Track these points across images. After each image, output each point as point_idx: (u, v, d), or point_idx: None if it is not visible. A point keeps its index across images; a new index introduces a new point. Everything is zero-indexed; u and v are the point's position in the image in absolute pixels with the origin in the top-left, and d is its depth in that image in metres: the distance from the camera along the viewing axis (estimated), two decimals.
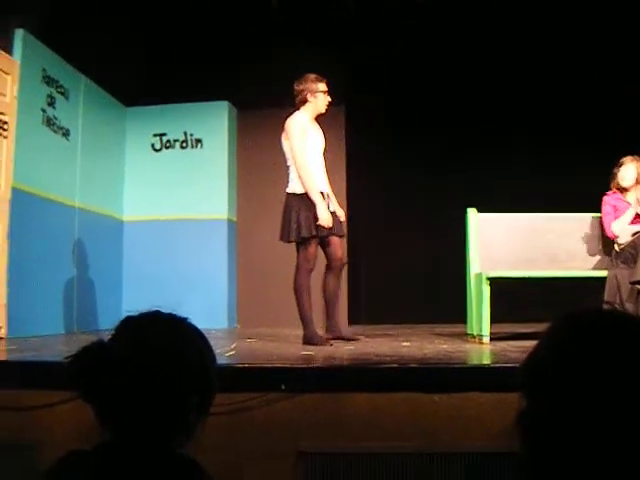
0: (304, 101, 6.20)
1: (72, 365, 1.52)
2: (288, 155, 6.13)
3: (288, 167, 6.14)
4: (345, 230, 6.34)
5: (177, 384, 1.55)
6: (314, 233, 5.89)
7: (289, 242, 6.03)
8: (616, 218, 6.31)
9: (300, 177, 5.99)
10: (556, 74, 9.07)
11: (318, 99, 6.20)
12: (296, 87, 6.22)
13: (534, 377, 1.18)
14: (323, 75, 6.28)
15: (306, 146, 6.07)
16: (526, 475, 1.17)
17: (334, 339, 6.02)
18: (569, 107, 9.07)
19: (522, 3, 8.47)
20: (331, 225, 5.92)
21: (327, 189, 6.27)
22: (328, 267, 6.17)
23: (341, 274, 6.27)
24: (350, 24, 8.76)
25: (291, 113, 6.22)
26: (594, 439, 1.07)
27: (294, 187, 6.04)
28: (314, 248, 5.98)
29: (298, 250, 6.03)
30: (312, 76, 6.22)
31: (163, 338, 1.59)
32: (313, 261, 6.00)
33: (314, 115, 6.26)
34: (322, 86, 6.21)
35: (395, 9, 8.70)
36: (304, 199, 5.93)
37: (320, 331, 6.02)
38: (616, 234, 6.27)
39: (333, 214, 6.08)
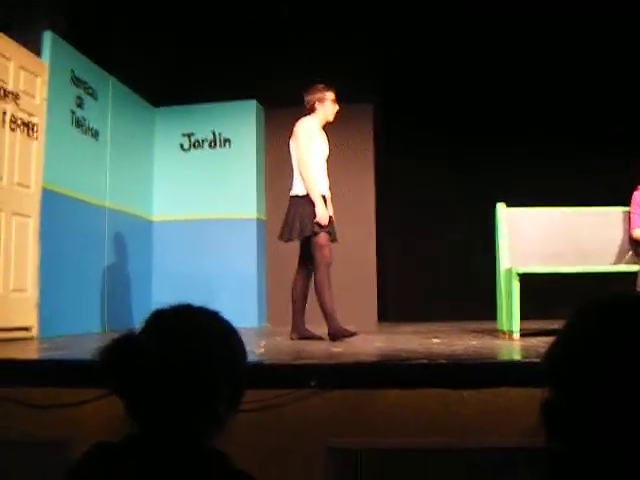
0: (313, 109, 6.45)
1: (103, 357, 1.53)
2: (294, 157, 6.36)
3: (292, 170, 6.37)
4: (336, 236, 6.44)
5: (207, 376, 1.55)
6: (316, 230, 6.08)
7: (289, 241, 6.30)
8: None
9: (303, 178, 6.22)
10: (585, 68, 9.00)
11: (326, 107, 6.43)
12: (305, 97, 6.49)
13: (553, 368, 1.18)
14: (331, 84, 6.49)
15: (312, 150, 6.29)
16: (552, 466, 1.16)
17: (300, 339, 6.16)
18: (599, 101, 8.99)
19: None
20: (328, 223, 6.13)
21: (328, 194, 6.45)
22: (302, 267, 6.41)
23: (318, 276, 6.29)
24: (378, 23, 8.75)
25: (302, 117, 6.44)
26: (611, 427, 1.06)
27: (297, 189, 6.29)
28: (326, 240, 6.15)
29: (312, 248, 6.16)
30: (320, 86, 6.47)
31: (193, 330, 1.60)
32: (330, 255, 6.15)
33: (322, 123, 6.50)
34: (330, 95, 6.44)
35: (428, 10, 8.69)
36: (306, 200, 6.17)
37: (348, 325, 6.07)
38: (637, 238, 6.25)
39: (330, 218, 6.28)
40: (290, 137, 6.44)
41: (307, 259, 6.30)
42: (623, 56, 8.82)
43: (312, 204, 6.11)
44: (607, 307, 1.18)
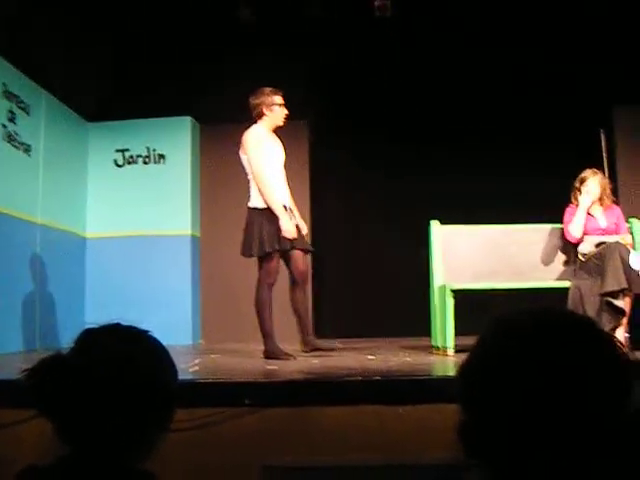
0: (261, 115, 6.21)
1: (29, 378, 1.50)
2: (248, 169, 6.11)
3: (249, 181, 6.11)
4: (308, 244, 6.30)
5: (136, 397, 1.52)
6: (277, 247, 5.88)
7: (251, 257, 6.02)
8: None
9: (260, 191, 5.97)
10: (518, 84, 9.15)
11: (274, 112, 6.20)
12: (252, 101, 6.24)
13: (466, 386, 1.17)
14: (278, 88, 6.29)
15: (264, 159, 6.06)
16: None
17: (311, 351, 5.99)
18: (528, 119, 9.14)
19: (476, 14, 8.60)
20: (295, 236, 5.91)
21: (289, 202, 6.24)
22: (293, 282, 6.12)
23: (306, 287, 6.23)
24: (311, 36, 8.80)
25: (248, 127, 6.21)
26: (525, 447, 1.06)
27: (255, 202, 6.02)
28: (276, 262, 5.98)
29: (260, 265, 6.02)
30: (267, 89, 6.23)
31: (122, 350, 1.57)
32: (274, 275, 5.99)
33: (272, 128, 6.27)
34: (278, 99, 6.22)
35: (356, 20, 8.78)
36: (266, 213, 5.92)
37: (283, 345, 5.99)
38: (574, 235, 6.32)
39: (296, 227, 6.05)
40: (238, 149, 6.18)
41: (293, 271, 6.07)
42: (549, 71, 9.01)
43: (273, 217, 5.87)
44: (518, 323, 1.17)
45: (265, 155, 6.09)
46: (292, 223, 5.96)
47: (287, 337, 6.18)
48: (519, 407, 1.07)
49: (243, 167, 6.17)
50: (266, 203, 5.94)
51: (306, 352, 5.98)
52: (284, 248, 5.92)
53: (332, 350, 6.02)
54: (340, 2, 8.73)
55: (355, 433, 3.54)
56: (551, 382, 1.06)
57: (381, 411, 3.54)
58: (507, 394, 1.08)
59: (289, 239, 5.87)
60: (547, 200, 6.65)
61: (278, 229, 5.85)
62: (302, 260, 6.10)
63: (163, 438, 1.61)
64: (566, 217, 6.45)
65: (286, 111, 6.27)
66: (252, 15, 8.69)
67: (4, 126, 7.32)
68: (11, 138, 7.45)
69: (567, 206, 6.49)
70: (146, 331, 1.66)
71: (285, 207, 6.06)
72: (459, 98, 9.31)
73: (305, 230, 6.32)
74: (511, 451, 1.08)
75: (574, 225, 6.33)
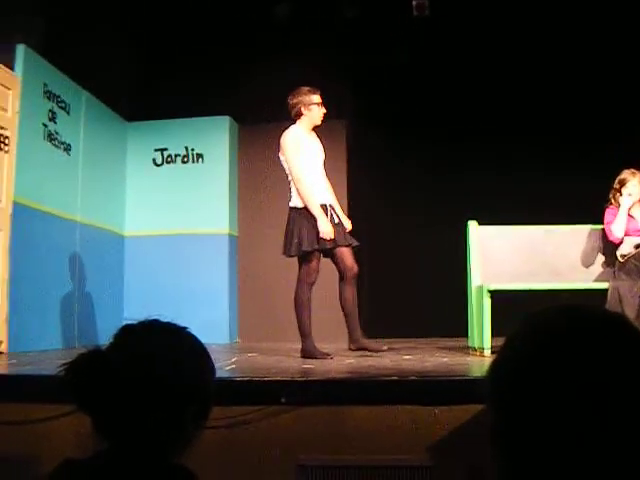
0: (299, 114, 6.21)
1: (67, 373, 1.52)
2: (287, 170, 6.13)
3: (289, 182, 6.13)
4: (353, 240, 6.23)
5: (174, 392, 1.54)
6: (315, 247, 5.88)
7: (291, 256, 6.04)
8: None
9: (298, 191, 5.99)
10: (558, 86, 9.09)
11: (312, 111, 6.19)
12: (290, 101, 6.24)
13: (495, 386, 1.15)
14: (316, 87, 6.28)
15: (302, 159, 6.06)
16: None
17: (357, 350, 5.98)
18: (569, 119, 9.08)
19: (520, 13, 8.54)
20: (333, 237, 5.89)
21: (330, 200, 6.23)
22: (341, 279, 6.09)
23: (355, 284, 6.18)
24: (349, 36, 8.81)
25: (287, 127, 6.23)
26: (558, 446, 1.04)
27: (296, 201, 6.04)
28: (315, 262, 5.98)
29: (300, 264, 6.03)
30: (305, 89, 6.22)
31: (161, 346, 1.59)
32: (314, 275, 5.99)
33: (310, 127, 6.27)
34: (316, 98, 6.21)
35: (395, 21, 8.76)
36: (305, 213, 5.93)
37: (320, 344, 6.00)
38: (617, 235, 6.27)
39: (338, 225, 6.05)
40: (277, 151, 6.20)
41: (340, 267, 6.05)
42: (593, 79, 8.93)
43: (312, 217, 5.88)
44: (550, 322, 1.15)
45: (303, 155, 6.09)
46: (329, 223, 5.92)
47: (325, 336, 6.19)
48: (550, 408, 1.05)
49: (283, 168, 6.18)
50: (303, 203, 5.96)
51: (352, 350, 5.98)
52: (323, 247, 5.92)
53: (379, 351, 5.95)
54: (378, 1, 8.72)
55: (390, 433, 3.54)
56: (584, 382, 1.04)
57: (416, 411, 3.54)
58: (538, 394, 1.05)
59: (327, 240, 5.87)
60: (585, 201, 6.61)
61: (317, 229, 5.86)
62: (348, 256, 6.06)
63: (200, 434, 1.62)
64: (607, 218, 6.40)
65: (324, 110, 6.26)
66: (288, 12, 8.70)
67: (45, 125, 7.40)
68: (52, 137, 7.53)
69: (606, 207, 6.44)
70: (184, 327, 1.67)
71: (325, 206, 6.06)
72: (499, 97, 9.25)
73: (349, 226, 6.30)
74: (540, 453, 1.06)
75: (616, 225, 6.28)
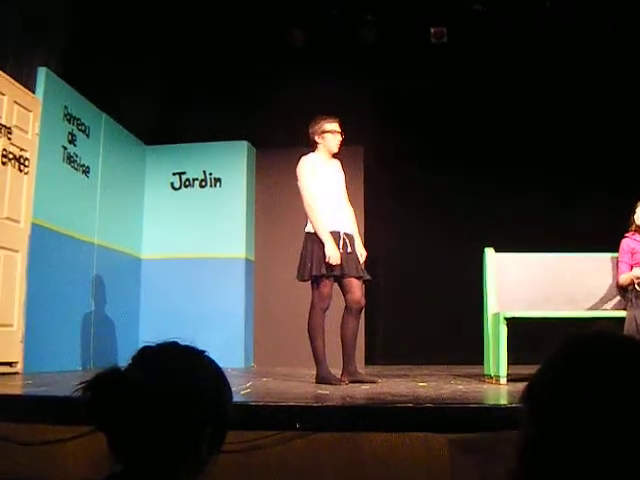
0: (314, 143, 6.26)
1: (86, 391, 1.52)
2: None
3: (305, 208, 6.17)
4: (365, 273, 6.23)
5: (191, 415, 1.54)
6: (323, 272, 5.89)
7: (303, 281, 6.07)
8: (634, 262, 6.29)
9: (309, 217, 6.04)
10: (574, 112, 9.11)
11: (326, 139, 6.22)
12: (309, 129, 6.28)
13: (534, 408, 1.17)
14: (333, 114, 6.31)
15: (315, 186, 6.10)
16: None
17: (351, 382, 5.91)
18: (588, 145, 9.08)
19: (534, 40, 8.58)
20: (339, 263, 5.90)
21: (345, 229, 6.21)
22: (346, 309, 6.10)
23: (359, 317, 6.18)
24: (368, 62, 8.86)
25: (304, 153, 6.27)
26: (595, 468, 1.05)
27: (310, 226, 6.08)
28: (328, 287, 5.98)
29: (313, 289, 6.04)
30: (320, 117, 6.26)
31: (179, 368, 1.59)
32: (327, 300, 5.99)
33: (327, 155, 6.29)
34: (329, 126, 6.23)
35: (412, 46, 8.80)
36: (317, 238, 5.96)
37: (335, 370, 5.98)
38: (622, 285, 6.27)
39: (350, 254, 6.05)
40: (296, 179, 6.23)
41: (347, 298, 6.04)
42: (606, 105, 8.94)
43: (323, 243, 5.91)
44: (591, 345, 1.17)
45: (317, 183, 6.13)
46: (337, 249, 5.93)
47: (339, 363, 6.16)
48: (586, 429, 1.06)
49: (300, 194, 6.21)
50: (314, 228, 5.99)
51: (344, 382, 5.86)
52: (332, 273, 5.93)
53: (373, 383, 5.87)
54: (396, 28, 8.76)
55: (405, 460, 3.52)
56: (620, 405, 1.06)
57: (431, 438, 3.52)
58: (576, 417, 1.08)
59: (335, 265, 5.88)
60: (604, 228, 6.59)
61: (323, 253, 5.89)
62: (357, 288, 6.06)
63: (215, 459, 1.62)
64: (620, 252, 6.39)
65: (339, 137, 6.27)
66: (304, 38, 8.76)
67: (64, 148, 7.46)
68: (71, 160, 7.58)
69: (623, 236, 6.41)
70: (203, 351, 1.68)
71: (338, 233, 6.07)
72: (516, 125, 9.28)
73: (363, 258, 6.30)
74: (577, 474, 1.07)
75: (624, 277, 6.30)
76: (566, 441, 1.08)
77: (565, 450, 1.08)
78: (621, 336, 1.19)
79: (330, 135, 6.22)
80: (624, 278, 6.26)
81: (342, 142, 6.32)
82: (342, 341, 6.10)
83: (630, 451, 1.04)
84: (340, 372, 6.01)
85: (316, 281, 5.98)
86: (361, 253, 6.29)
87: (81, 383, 1.52)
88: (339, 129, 6.27)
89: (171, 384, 1.55)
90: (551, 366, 1.19)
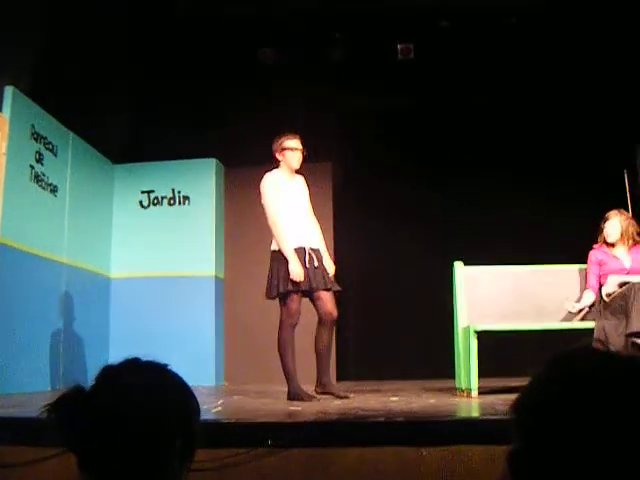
0: (277, 160, 6.31)
1: (50, 411, 1.51)
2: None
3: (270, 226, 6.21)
4: (334, 284, 6.25)
5: (159, 429, 1.53)
6: (290, 288, 5.90)
7: (271, 298, 6.09)
8: (601, 273, 6.37)
9: (273, 233, 6.07)
10: (542, 125, 9.21)
11: (286, 156, 6.25)
12: (272, 146, 6.32)
13: (522, 416, 1.18)
14: (294, 132, 6.34)
15: (279, 202, 6.13)
16: None
17: (323, 394, 5.95)
18: (556, 158, 9.17)
19: (500, 55, 8.69)
20: (302, 279, 5.91)
21: (310, 243, 6.21)
22: (319, 322, 6.11)
23: (333, 329, 6.19)
24: (336, 79, 8.90)
25: (269, 171, 6.30)
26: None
27: (274, 244, 6.12)
28: (296, 303, 5.99)
29: (281, 306, 6.05)
30: (281, 134, 6.30)
31: (143, 383, 1.59)
32: (296, 316, 5.99)
33: (289, 171, 6.31)
34: (289, 143, 6.25)
35: (379, 63, 8.87)
36: (282, 256, 5.98)
37: (307, 386, 5.98)
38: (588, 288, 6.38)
39: (317, 268, 6.06)
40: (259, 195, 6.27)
41: (319, 312, 6.05)
42: (572, 111, 9.05)
43: (287, 260, 5.95)
44: (578, 362, 1.18)
45: (280, 200, 6.16)
46: (299, 265, 5.93)
47: (310, 379, 6.15)
48: (573, 445, 1.07)
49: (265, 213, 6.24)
50: (278, 245, 6.03)
51: (318, 393, 5.95)
52: (299, 289, 5.94)
53: (346, 398, 5.86)
54: (363, 45, 8.82)
55: (378, 475, 3.52)
56: (608, 422, 1.07)
57: (403, 452, 3.52)
58: (564, 433, 1.09)
59: (301, 281, 5.89)
60: (573, 240, 6.65)
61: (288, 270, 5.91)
62: (328, 300, 6.06)
63: (185, 475, 1.61)
64: (588, 263, 6.50)
65: (299, 154, 6.29)
66: (273, 56, 8.79)
67: (32, 167, 7.41)
68: (38, 179, 7.54)
69: (591, 248, 6.49)
70: (165, 365, 1.67)
71: (303, 249, 6.09)
72: (481, 137, 9.36)
73: (332, 271, 6.31)
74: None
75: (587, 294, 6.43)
76: (553, 456, 1.09)
77: (552, 464, 1.09)
78: (608, 352, 1.20)
79: (290, 152, 6.25)
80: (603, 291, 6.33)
81: (304, 158, 6.34)
82: (316, 353, 6.11)
83: (617, 465, 1.05)
84: (313, 386, 6.02)
85: (283, 298, 5.98)
86: (329, 266, 6.31)
87: (46, 405, 1.52)
88: (300, 146, 6.30)
89: (136, 400, 1.54)
90: (538, 383, 1.21)
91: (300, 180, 6.43)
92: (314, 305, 6.09)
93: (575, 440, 1.08)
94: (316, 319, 6.10)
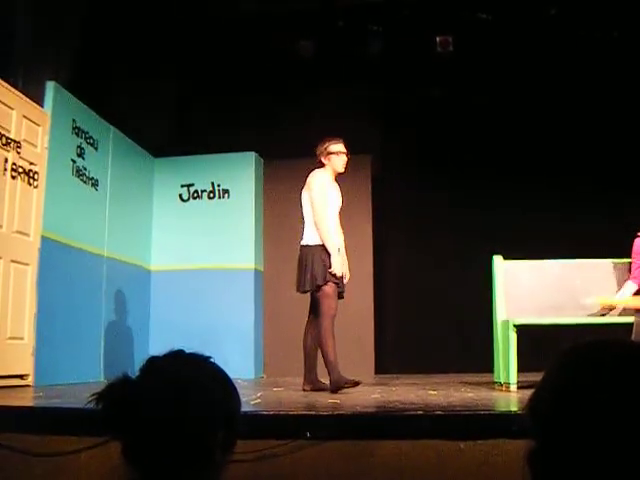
0: (322, 163, 6.43)
1: (99, 400, 1.54)
2: (307, 208, 6.33)
3: (304, 219, 6.33)
4: (343, 290, 6.37)
5: (202, 419, 1.56)
6: (329, 280, 6.03)
7: (305, 292, 6.21)
8: None
9: (318, 229, 6.17)
10: (585, 117, 9.11)
11: (332, 161, 6.40)
12: (316, 150, 6.45)
13: (537, 417, 1.18)
14: (336, 137, 6.44)
15: (326, 202, 6.27)
16: None
17: (312, 390, 6.10)
18: (594, 152, 9.08)
19: (540, 47, 8.59)
20: (340, 276, 6.10)
21: (341, 246, 6.42)
22: (312, 318, 6.32)
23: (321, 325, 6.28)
24: (374, 72, 8.88)
25: (312, 164, 6.44)
26: (598, 474, 1.06)
27: (308, 239, 6.25)
28: (335, 295, 6.12)
29: (317, 299, 6.14)
30: (326, 139, 6.43)
31: (187, 375, 1.61)
32: (336, 308, 6.11)
33: (333, 175, 6.46)
34: (334, 147, 6.40)
35: (418, 56, 8.82)
36: (317, 250, 6.12)
37: (324, 379, 6.13)
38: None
39: (342, 275, 6.24)
40: (302, 187, 6.42)
41: (315, 311, 6.24)
42: (617, 112, 8.94)
43: (324, 253, 6.08)
44: (591, 353, 1.18)
45: (327, 199, 6.30)
46: (340, 262, 6.14)
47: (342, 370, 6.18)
48: (587, 435, 1.07)
49: (301, 205, 6.37)
50: (321, 240, 6.14)
51: (306, 391, 6.08)
52: (335, 281, 6.07)
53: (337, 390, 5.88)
54: (402, 38, 8.78)
55: (416, 468, 3.52)
56: (620, 411, 1.07)
57: (441, 446, 3.52)
58: (580, 426, 1.08)
59: (333, 275, 6.04)
60: (612, 235, 6.57)
61: (328, 264, 6.03)
62: (335, 300, 6.19)
63: (227, 464, 1.63)
64: (634, 257, 6.26)
65: (345, 158, 6.44)
66: (312, 49, 8.78)
67: (73, 161, 7.49)
68: (80, 173, 7.61)
69: (636, 236, 6.29)
70: (208, 357, 1.70)
71: (339, 250, 6.26)
72: (525, 133, 9.29)
73: (347, 278, 6.45)
74: (576, 475, 1.08)
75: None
76: (568, 450, 1.09)
77: (567, 458, 1.09)
78: (617, 342, 1.19)
79: (335, 156, 6.41)
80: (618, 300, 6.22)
81: (347, 162, 6.47)
82: (304, 351, 6.37)
83: (631, 459, 1.05)
84: (356, 374, 6.13)
85: (324, 290, 6.07)
86: (346, 272, 6.45)
87: (93, 394, 1.54)
88: (344, 150, 6.44)
89: (181, 391, 1.56)
90: (549, 377, 1.20)
91: (337, 186, 6.56)
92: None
93: (588, 434, 1.07)
94: (342, 310, 6.23)
